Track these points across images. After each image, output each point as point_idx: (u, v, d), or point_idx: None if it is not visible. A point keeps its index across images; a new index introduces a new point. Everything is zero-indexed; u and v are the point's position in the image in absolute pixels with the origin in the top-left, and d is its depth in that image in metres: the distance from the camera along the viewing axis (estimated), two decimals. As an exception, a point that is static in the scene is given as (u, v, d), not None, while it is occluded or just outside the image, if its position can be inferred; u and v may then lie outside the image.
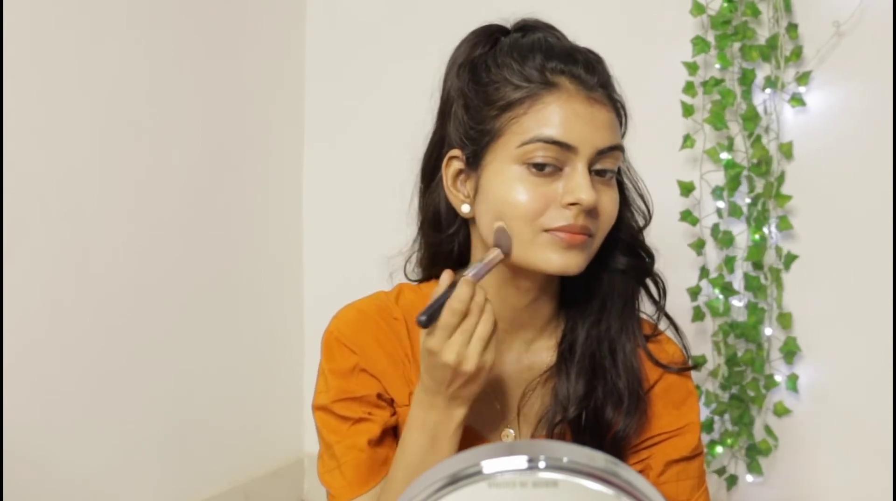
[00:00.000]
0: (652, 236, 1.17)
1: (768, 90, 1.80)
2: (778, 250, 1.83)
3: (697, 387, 1.40)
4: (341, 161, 2.26)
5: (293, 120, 2.27)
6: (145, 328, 1.88)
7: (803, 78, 1.78)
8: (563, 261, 1.02)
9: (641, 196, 1.15)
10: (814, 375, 1.85)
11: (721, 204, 1.84)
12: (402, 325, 1.12)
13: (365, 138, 2.23)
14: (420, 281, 1.21)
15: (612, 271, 1.11)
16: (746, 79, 1.81)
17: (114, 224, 1.81)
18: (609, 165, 1.04)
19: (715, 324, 1.85)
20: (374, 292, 1.16)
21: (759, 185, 1.82)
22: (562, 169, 1.02)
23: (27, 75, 1.61)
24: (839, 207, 1.82)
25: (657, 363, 1.13)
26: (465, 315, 0.96)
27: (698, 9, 1.82)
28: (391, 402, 1.11)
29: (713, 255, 1.87)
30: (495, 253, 1.02)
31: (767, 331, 1.83)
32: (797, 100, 1.79)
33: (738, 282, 1.85)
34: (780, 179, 1.81)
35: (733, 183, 1.82)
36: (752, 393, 1.84)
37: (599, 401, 1.09)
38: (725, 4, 1.79)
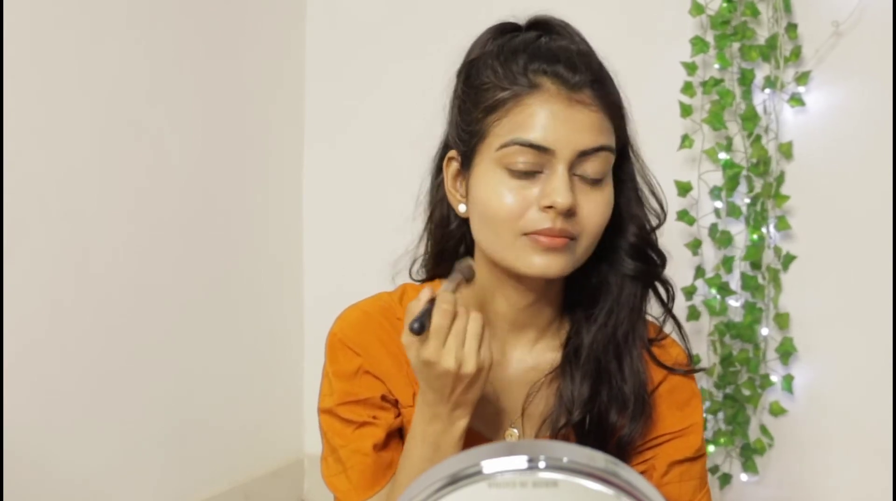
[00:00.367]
0: (649, 236, 1.16)
1: (767, 90, 1.81)
2: (777, 250, 1.83)
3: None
4: (341, 161, 2.26)
5: (293, 120, 2.27)
6: (145, 327, 1.88)
7: (802, 78, 1.78)
8: (544, 264, 1.02)
9: (655, 196, 1.13)
10: (811, 375, 1.85)
11: (719, 204, 1.84)
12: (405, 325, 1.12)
13: (365, 138, 2.23)
14: (424, 281, 1.21)
15: (621, 275, 1.10)
16: (746, 79, 1.81)
17: (114, 224, 1.81)
18: (595, 167, 1.02)
19: (711, 323, 1.85)
20: (377, 293, 1.16)
21: (758, 185, 1.82)
22: (542, 171, 1.01)
23: (27, 75, 1.61)
24: (838, 207, 1.82)
25: (663, 366, 1.13)
26: (454, 317, 0.96)
27: (697, 9, 1.82)
28: (395, 403, 1.11)
29: (710, 255, 1.87)
30: (457, 278, 1.04)
31: (764, 331, 1.83)
32: (796, 100, 1.79)
33: (735, 282, 1.85)
34: (780, 179, 1.81)
35: (731, 183, 1.82)
36: (747, 393, 1.84)
37: (604, 405, 1.09)
38: (725, 4, 1.79)
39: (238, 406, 2.13)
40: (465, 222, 1.11)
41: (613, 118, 1.05)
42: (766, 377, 1.84)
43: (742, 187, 1.83)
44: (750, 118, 1.80)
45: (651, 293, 1.14)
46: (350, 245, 2.24)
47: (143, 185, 1.87)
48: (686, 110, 1.84)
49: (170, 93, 1.92)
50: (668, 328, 1.18)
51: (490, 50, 1.08)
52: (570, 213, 1.01)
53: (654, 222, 1.14)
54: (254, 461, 2.18)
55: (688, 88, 1.84)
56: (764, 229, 1.82)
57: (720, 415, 1.85)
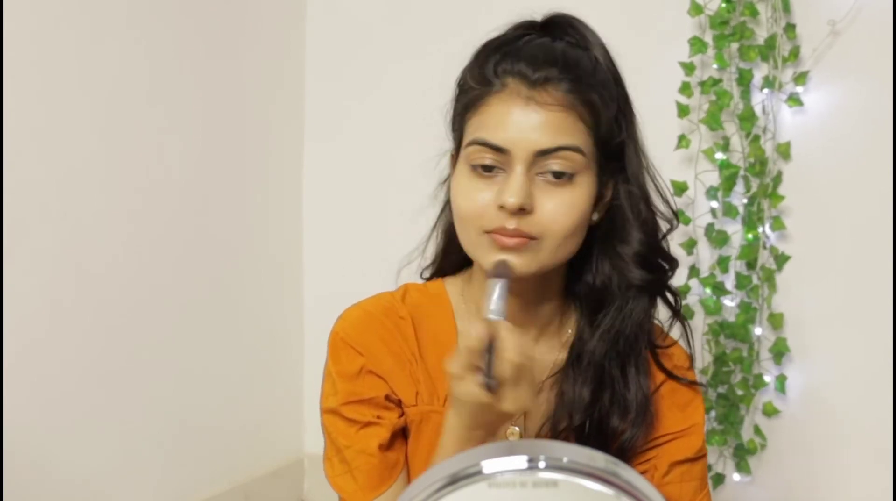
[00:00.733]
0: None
1: (766, 90, 1.81)
2: (773, 250, 1.83)
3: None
4: (341, 161, 2.26)
5: (293, 120, 2.27)
6: (145, 327, 1.88)
7: (801, 78, 1.78)
8: None
9: (664, 199, 1.12)
10: (804, 375, 1.85)
11: (715, 204, 1.84)
12: (408, 324, 1.12)
13: (365, 138, 2.23)
14: (429, 279, 1.21)
15: (627, 284, 1.08)
16: (744, 79, 1.81)
17: (114, 224, 1.81)
18: (558, 167, 1.01)
19: (705, 323, 1.85)
20: (379, 293, 1.16)
21: (755, 185, 1.82)
22: (504, 170, 1.02)
23: (27, 75, 1.62)
24: (835, 207, 1.82)
25: (666, 372, 1.13)
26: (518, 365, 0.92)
27: (696, 9, 1.82)
28: (399, 403, 1.11)
29: (705, 254, 1.87)
30: (500, 284, 0.98)
31: (757, 331, 1.83)
32: (794, 100, 1.79)
33: (730, 282, 1.85)
34: (777, 179, 1.81)
35: (728, 183, 1.82)
36: (740, 392, 1.84)
37: (605, 410, 1.09)
38: (724, 5, 1.79)
39: (238, 406, 2.13)
40: None
41: (586, 117, 1.03)
42: (760, 376, 1.84)
43: (739, 187, 1.83)
44: (748, 118, 1.80)
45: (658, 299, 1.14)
46: (350, 245, 2.24)
47: (143, 185, 1.87)
48: (683, 110, 1.84)
49: (170, 93, 1.92)
50: (676, 333, 1.18)
51: (477, 50, 1.09)
52: (523, 212, 1.01)
53: (664, 226, 1.12)
54: (254, 461, 2.19)
55: (685, 88, 1.84)
56: (760, 229, 1.82)
57: (712, 414, 1.86)
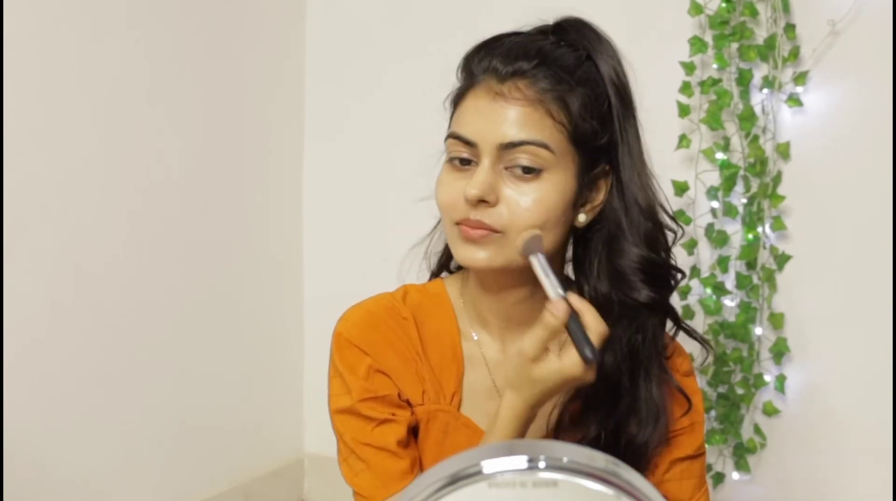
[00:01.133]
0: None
1: (765, 90, 1.81)
2: (773, 250, 1.83)
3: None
4: (341, 161, 2.26)
5: (293, 120, 2.27)
6: (145, 327, 1.88)
7: (801, 78, 1.78)
8: (465, 254, 1.04)
9: (664, 210, 1.11)
10: (804, 375, 1.85)
11: (715, 204, 1.84)
12: (411, 324, 1.12)
13: (365, 138, 2.23)
14: (432, 276, 1.21)
15: (631, 299, 1.07)
16: (744, 79, 1.81)
17: (114, 224, 1.81)
18: (527, 162, 1.01)
19: (705, 323, 1.85)
20: (378, 294, 1.16)
21: (755, 185, 1.82)
22: (478, 163, 1.03)
23: (27, 75, 1.62)
24: (835, 207, 1.82)
25: (680, 391, 1.13)
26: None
27: (696, 9, 1.82)
28: (407, 402, 1.11)
29: (706, 254, 1.87)
30: (537, 259, 0.99)
31: (758, 331, 1.83)
32: (794, 100, 1.79)
33: (731, 282, 1.85)
34: (777, 179, 1.81)
35: (728, 183, 1.82)
36: (740, 392, 1.84)
37: (620, 420, 1.09)
38: (724, 5, 1.79)
39: (238, 406, 2.13)
40: None
41: (556, 113, 1.02)
42: (760, 376, 1.84)
43: (739, 187, 1.83)
44: (748, 118, 1.80)
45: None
46: (350, 245, 2.24)
47: (143, 185, 1.87)
48: (684, 110, 1.84)
49: (170, 93, 1.92)
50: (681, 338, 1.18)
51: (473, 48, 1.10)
52: (486, 205, 1.01)
53: (669, 236, 1.11)
54: (254, 461, 2.19)
55: (686, 88, 1.84)
56: (760, 229, 1.82)
57: (712, 414, 1.86)
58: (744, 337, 1.83)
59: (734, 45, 1.81)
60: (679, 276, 1.12)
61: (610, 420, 1.09)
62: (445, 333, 1.13)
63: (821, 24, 1.76)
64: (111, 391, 1.81)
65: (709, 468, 1.87)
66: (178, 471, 1.98)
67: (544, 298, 1.10)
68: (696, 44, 1.82)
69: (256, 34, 2.15)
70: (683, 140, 1.85)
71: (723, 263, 1.85)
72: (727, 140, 1.83)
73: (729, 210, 1.83)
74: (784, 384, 1.84)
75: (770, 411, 1.85)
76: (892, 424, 1.77)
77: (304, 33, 2.27)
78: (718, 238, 1.84)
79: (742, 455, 1.86)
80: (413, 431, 1.12)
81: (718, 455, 1.88)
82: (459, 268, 1.19)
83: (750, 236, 1.82)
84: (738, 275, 1.84)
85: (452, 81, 1.12)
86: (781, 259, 1.83)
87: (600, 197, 1.08)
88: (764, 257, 1.83)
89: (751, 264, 1.83)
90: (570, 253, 1.14)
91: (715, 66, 1.82)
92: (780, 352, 1.83)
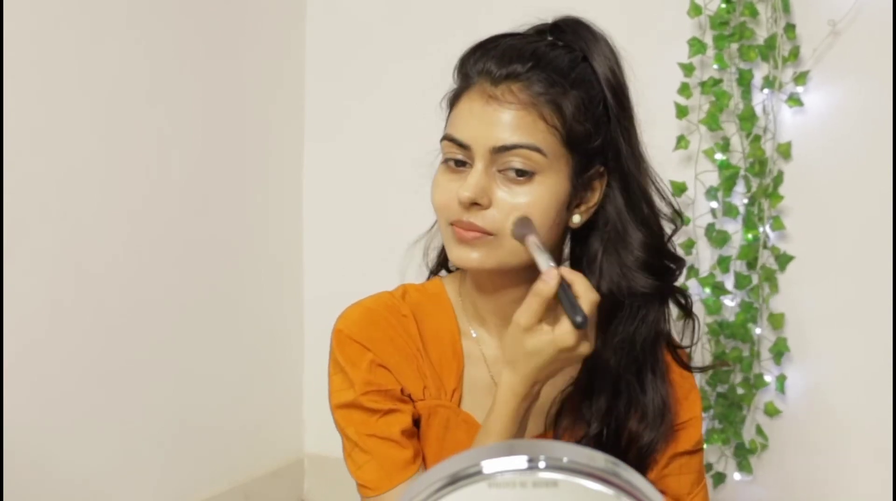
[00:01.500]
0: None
1: (766, 90, 1.80)
2: (773, 250, 1.83)
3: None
4: (341, 161, 2.26)
5: (293, 120, 2.27)
6: (145, 327, 1.88)
7: (801, 78, 1.78)
8: (459, 255, 1.04)
9: (665, 200, 1.11)
10: (805, 375, 1.85)
11: (715, 204, 1.84)
12: (411, 321, 1.13)
13: (365, 138, 2.23)
14: (431, 274, 1.21)
15: (636, 292, 1.07)
16: (744, 79, 1.81)
17: (114, 224, 1.81)
18: (519, 165, 1.01)
19: (705, 323, 1.85)
20: (377, 293, 1.16)
21: (755, 185, 1.82)
22: (472, 166, 1.03)
23: (27, 75, 1.62)
24: (835, 207, 1.82)
25: (697, 369, 1.14)
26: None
27: (696, 10, 1.82)
28: (409, 397, 1.11)
29: (706, 254, 1.87)
30: (529, 240, 0.99)
31: (757, 331, 1.83)
32: (794, 100, 1.79)
33: (731, 282, 1.85)
34: (777, 179, 1.81)
35: (728, 183, 1.82)
36: (741, 392, 1.84)
37: (622, 417, 1.09)
38: (724, 5, 1.79)
39: (238, 406, 2.13)
40: None
41: (549, 116, 1.02)
42: (760, 376, 1.84)
43: (739, 187, 1.83)
44: (748, 118, 1.80)
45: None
46: (350, 245, 2.24)
47: (143, 185, 1.87)
48: (682, 111, 1.84)
49: (170, 93, 1.92)
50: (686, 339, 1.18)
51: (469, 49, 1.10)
52: (479, 207, 1.02)
53: (668, 227, 1.11)
54: (254, 461, 2.19)
55: (684, 89, 1.84)
56: (760, 229, 1.82)
57: (711, 413, 1.86)
58: (744, 337, 1.83)
59: (734, 46, 1.81)
60: (680, 264, 1.12)
61: (611, 416, 1.08)
62: (445, 330, 1.14)
63: (821, 24, 1.76)
64: (111, 391, 1.81)
65: (710, 468, 1.87)
66: (178, 471, 1.98)
67: None
68: (696, 45, 1.82)
69: (256, 34, 2.15)
70: (682, 141, 1.85)
71: (723, 263, 1.85)
72: (727, 140, 1.83)
73: (729, 210, 1.83)
74: (784, 385, 1.84)
75: (771, 411, 1.85)
76: (893, 424, 1.77)
77: (304, 33, 2.27)
78: (718, 238, 1.84)
79: (744, 455, 1.86)
80: (415, 425, 1.12)
81: (720, 455, 1.88)
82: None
83: (750, 236, 1.82)
84: (738, 275, 1.84)
85: (452, 81, 1.12)
86: (782, 259, 1.83)
87: (595, 198, 1.08)
88: (764, 257, 1.83)
89: (751, 264, 1.83)
90: (568, 253, 1.14)
91: (715, 66, 1.82)
92: (780, 352, 1.83)
